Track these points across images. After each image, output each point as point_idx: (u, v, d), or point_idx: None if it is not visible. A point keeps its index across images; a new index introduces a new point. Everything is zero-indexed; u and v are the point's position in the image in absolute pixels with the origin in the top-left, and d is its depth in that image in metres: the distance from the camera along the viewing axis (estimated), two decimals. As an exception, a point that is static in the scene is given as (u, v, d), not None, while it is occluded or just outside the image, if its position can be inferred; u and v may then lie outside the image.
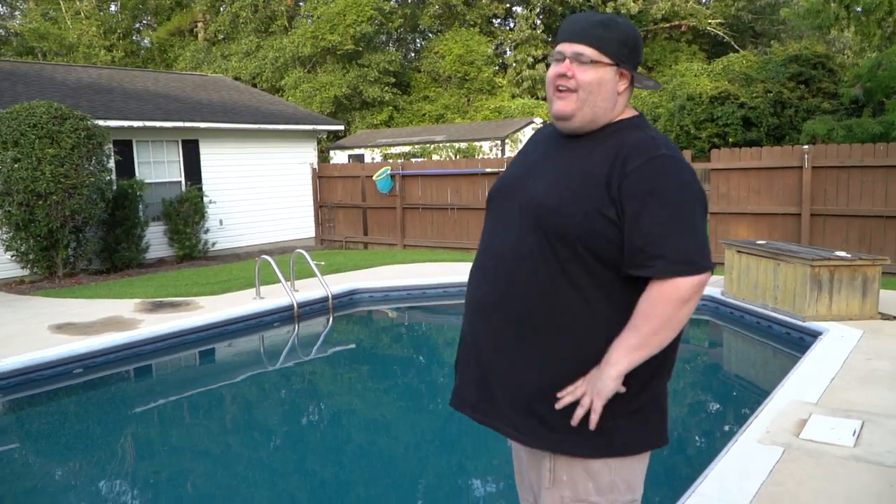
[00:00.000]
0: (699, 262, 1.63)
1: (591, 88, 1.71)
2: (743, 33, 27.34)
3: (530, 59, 26.98)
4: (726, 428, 4.68)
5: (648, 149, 1.65)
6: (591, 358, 1.68)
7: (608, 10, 25.42)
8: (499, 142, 19.11)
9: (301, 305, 8.00)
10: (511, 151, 19.09)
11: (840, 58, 18.76)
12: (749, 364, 6.52)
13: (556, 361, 1.70)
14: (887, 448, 3.63)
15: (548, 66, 27.38)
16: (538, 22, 28.16)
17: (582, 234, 1.63)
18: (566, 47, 1.74)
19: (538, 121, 20.53)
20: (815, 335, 6.30)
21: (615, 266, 1.65)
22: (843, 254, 6.91)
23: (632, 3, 25.15)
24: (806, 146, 10.13)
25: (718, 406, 5.31)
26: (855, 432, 3.82)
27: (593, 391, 1.67)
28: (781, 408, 4.25)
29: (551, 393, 1.71)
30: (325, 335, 7.79)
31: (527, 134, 19.97)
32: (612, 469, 1.73)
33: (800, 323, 6.72)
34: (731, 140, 17.41)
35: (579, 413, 1.68)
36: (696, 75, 18.70)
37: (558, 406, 1.69)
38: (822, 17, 14.63)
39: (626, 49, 1.72)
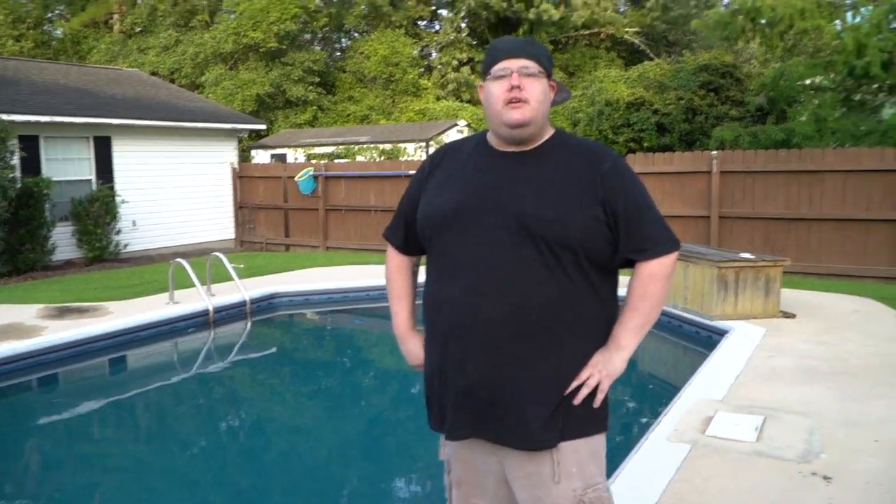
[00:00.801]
0: (676, 238, 1.90)
1: (540, 98, 1.83)
2: (657, 42, 28.27)
3: (455, 62, 27.02)
4: (638, 426, 4.77)
5: (606, 151, 1.86)
6: (601, 345, 1.85)
7: (530, 15, 25.75)
8: (423, 143, 19.08)
9: (217, 310, 7.76)
10: None
11: (747, 67, 19.55)
12: (661, 363, 6.70)
13: (576, 360, 1.81)
14: (786, 442, 3.77)
15: (473, 70, 27.57)
16: (463, 25, 28.32)
17: (582, 238, 1.75)
18: (510, 63, 1.82)
19: (462, 123, 20.50)
20: (721, 334, 6.53)
21: (600, 262, 1.81)
22: (747, 255, 7.19)
23: (553, 10, 25.62)
24: (714, 152, 10.55)
25: (632, 405, 5.43)
26: (757, 428, 3.95)
27: (603, 374, 1.81)
28: (689, 406, 4.37)
29: (566, 387, 1.82)
30: (241, 341, 7.59)
31: (451, 136, 19.79)
32: (603, 444, 1.90)
33: (708, 322, 6.95)
34: (646, 145, 17.97)
35: (584, 392, 1.81)
36: (613, 82, 19.14)
37: (576, 401, 1.81)
38: (730, 28, 14.91)
39: (550, 63, 1.88)
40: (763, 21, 14.63)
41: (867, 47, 13.21)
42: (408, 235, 2.04)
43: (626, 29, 27.43)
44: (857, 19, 14.24)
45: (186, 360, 6.89)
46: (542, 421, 1.76)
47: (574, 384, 1.80)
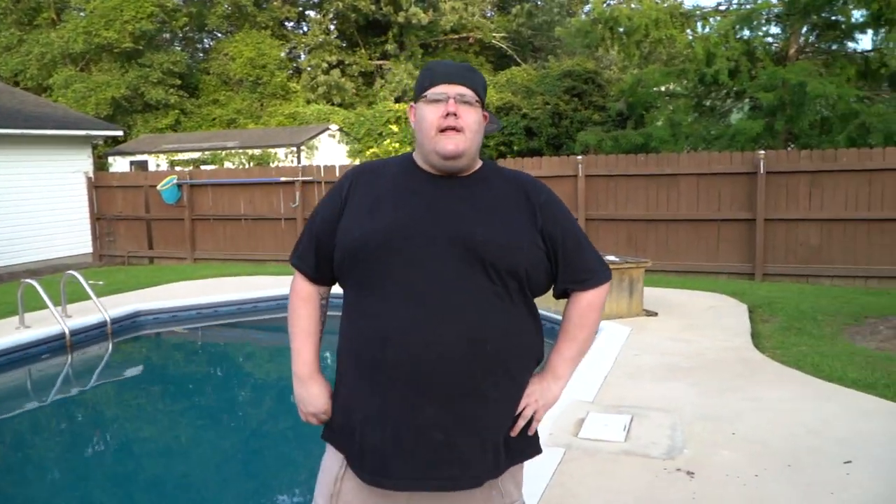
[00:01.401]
0: (608, 266, 1.93)
1: (475, 128, 1.77)
2: (524, 47, 29.20)
3: (325, 65, 26.51)
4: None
5: (539, 182, 1.86)
6: (535, 374, 1.82)
7: (399, 19, 25.86)
8: (294, 148, 18.52)
9: (75, 333, 7.25)
10: (308, 159, 18.63)
11: (608, 73, 20.54)
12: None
13: (521, 388, 1.80)
14: (651, 440, 3.96)
15: (344, 73, 27.15)
16: (332, 28, 27.90)
17: (528, 265, 1.73)
18: (448, 88, 1.75)
19: (333, 127, 20.00)
20: (591, 335, 6.67)
21: (536, 291, 1.81)
22: (612, 258, 7.52)
23: (422, 14, 25.90)
24: (580, 157, 10.97)
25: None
26: (625, 427, 4.13)
27: (540, 403, 1.80)
28: (563, 407, 4.51)
29: (513, 418, 1.79)
30: (102, 365, 7.12)
31: (323, 141, 19.52)
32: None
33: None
34: (515, 148, 18.49)
35: (520, 424, 1.79)
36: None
37: (513, 433, 1.79)
38: (591, 37, 15.58)
39: (485, 93, 1.83)
40: (621, 30, 15.45)
41: (716, 56, 14.09)
42: (320, 263, 1.85)
43: (494, 34, 27.87)
44: (707, 30, 15.11)
45: (40, 389, 6.39)
46: (495, 453, 1.73)
47: (518, 420, 1.80)
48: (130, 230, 13.70)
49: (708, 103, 15.86)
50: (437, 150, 1.75)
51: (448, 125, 1.73)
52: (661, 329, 6.73)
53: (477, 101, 1.78)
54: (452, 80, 1.77)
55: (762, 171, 9.64)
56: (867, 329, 6.65)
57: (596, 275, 1.86)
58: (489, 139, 17.66)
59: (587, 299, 1.86)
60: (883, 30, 13.44)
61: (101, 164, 19.94)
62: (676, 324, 6.94)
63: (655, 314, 7.38)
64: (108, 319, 7.67)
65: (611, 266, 7.08)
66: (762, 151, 9.90)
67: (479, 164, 1.85)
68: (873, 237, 9.33)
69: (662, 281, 9.52)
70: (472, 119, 1.77)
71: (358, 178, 1.84)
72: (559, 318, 1.95)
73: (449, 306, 1.65)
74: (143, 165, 19.71)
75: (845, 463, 3.59)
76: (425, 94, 1.78)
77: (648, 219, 10.51)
